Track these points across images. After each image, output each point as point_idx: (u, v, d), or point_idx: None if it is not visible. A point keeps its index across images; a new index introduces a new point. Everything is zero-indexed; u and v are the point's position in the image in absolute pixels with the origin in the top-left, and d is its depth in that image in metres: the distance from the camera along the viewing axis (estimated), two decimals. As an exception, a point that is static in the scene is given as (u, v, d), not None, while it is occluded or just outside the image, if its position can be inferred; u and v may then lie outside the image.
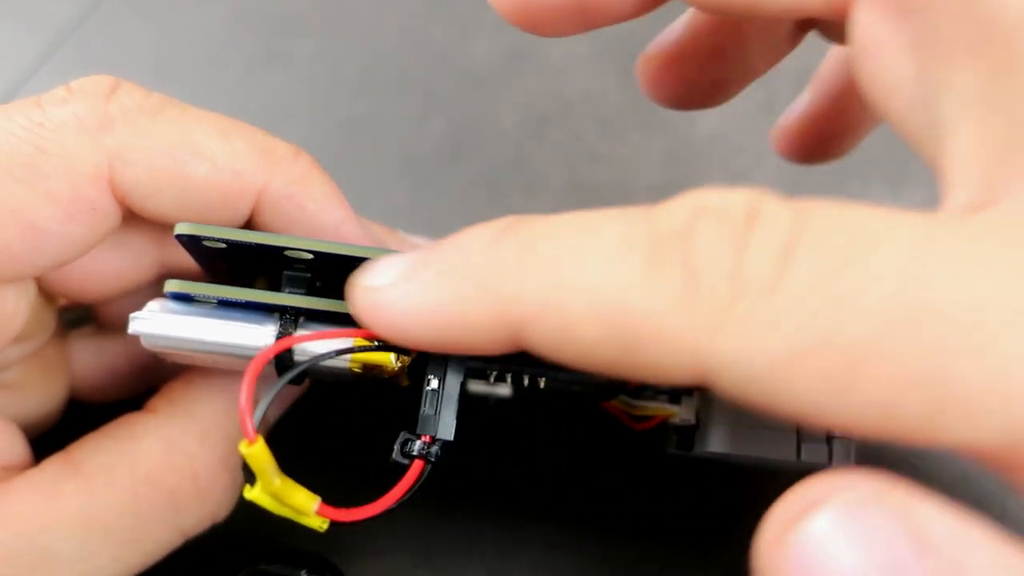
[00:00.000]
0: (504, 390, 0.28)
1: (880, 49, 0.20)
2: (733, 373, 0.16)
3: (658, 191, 0.35)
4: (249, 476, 0.20)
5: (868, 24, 0.20)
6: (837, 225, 0.16)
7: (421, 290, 0.19)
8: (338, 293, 0.22)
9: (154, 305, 0.22)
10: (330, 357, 0.21)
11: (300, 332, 0.22)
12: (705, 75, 0.27)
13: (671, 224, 0.17)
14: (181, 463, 0.24)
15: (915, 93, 0.19)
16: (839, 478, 0.15)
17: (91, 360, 0.29)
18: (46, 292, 0.26)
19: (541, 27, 0.24)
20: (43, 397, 0.28)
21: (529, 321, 0.18)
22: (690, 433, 0.25)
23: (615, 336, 0.17)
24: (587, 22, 0.24)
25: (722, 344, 0.16)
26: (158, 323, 0.22)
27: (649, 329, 0.16)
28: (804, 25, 0.25)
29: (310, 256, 0.22)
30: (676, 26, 0.27)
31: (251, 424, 0.19)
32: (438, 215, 0.36)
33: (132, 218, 0.24)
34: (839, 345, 0.15)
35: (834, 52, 0.29)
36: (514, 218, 0.19)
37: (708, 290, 0.16)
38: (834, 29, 0.24)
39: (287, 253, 0.22)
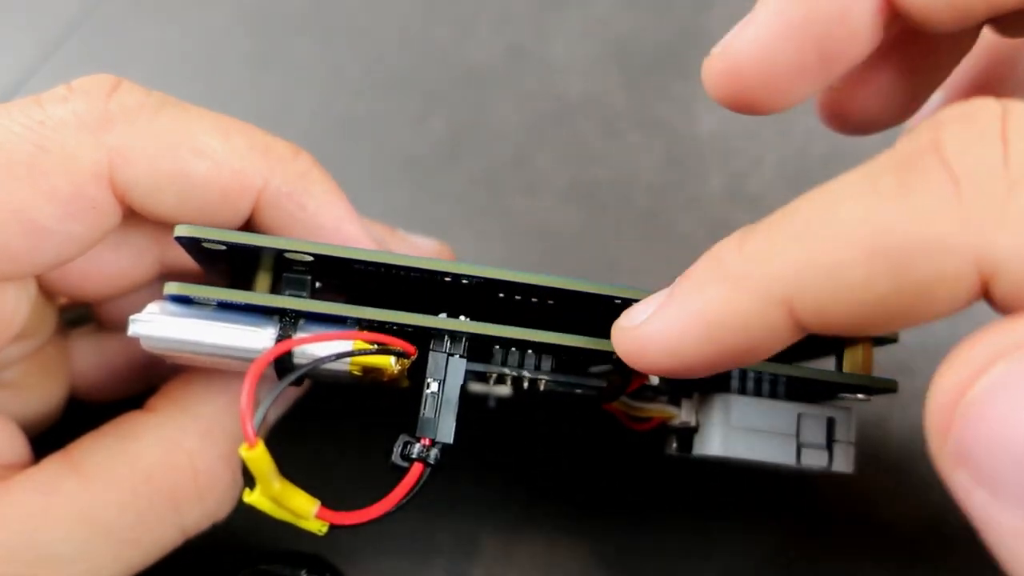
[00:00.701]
0: (504, 390, 0.28)
1: None
2: (1019, 267, 0.15)
3: (658, 191, 0.36)
4: (249, 480, 0.20)
5: None
6: None
7: (684, 308, 0.19)
8: (338, 293, 0.22)
9: (153, 307, 0.22)
10: (330, 360, 0.21)
11: (300, 335, 0.22)
12: (898, 90, 0.25)
13: (914, 145, 0.17)
14: (181, 462, 0.24)
15: None
16: (1011, 328, 0.15)
17: (91, 359, 0.29)
18: (46, 291, 0.26)
19: (773, 101, 0.23)
20: (43, 396, 0.28)
21: (798, 290, 0.17)
22: (689, 435, 0.25)
23: (888, 266, 0.16)
24: (826, 77, 0.22)
25: (1005, 240, 0.15)
26: (157, 325, 0.22)
27: (922, 243, 0.16)
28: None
29: (310, 258, 0.22)
30: None
31: (252, 428, 0.19)
32: (438, 215, 0.36)
33: (133, 217, 0.24)
34: None
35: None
36: (751, 224, 0.19)
37: (977, 188, 0.16)
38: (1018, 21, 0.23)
39: (287, 255, 0.22)
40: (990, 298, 0.16)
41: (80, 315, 0.30)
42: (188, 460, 0.24)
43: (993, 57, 0.28)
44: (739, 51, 0.22)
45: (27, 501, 0.23)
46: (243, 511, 0.25)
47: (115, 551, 0.23)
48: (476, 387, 0.28)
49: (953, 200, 0.16)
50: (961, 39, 0.24)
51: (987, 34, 0.26)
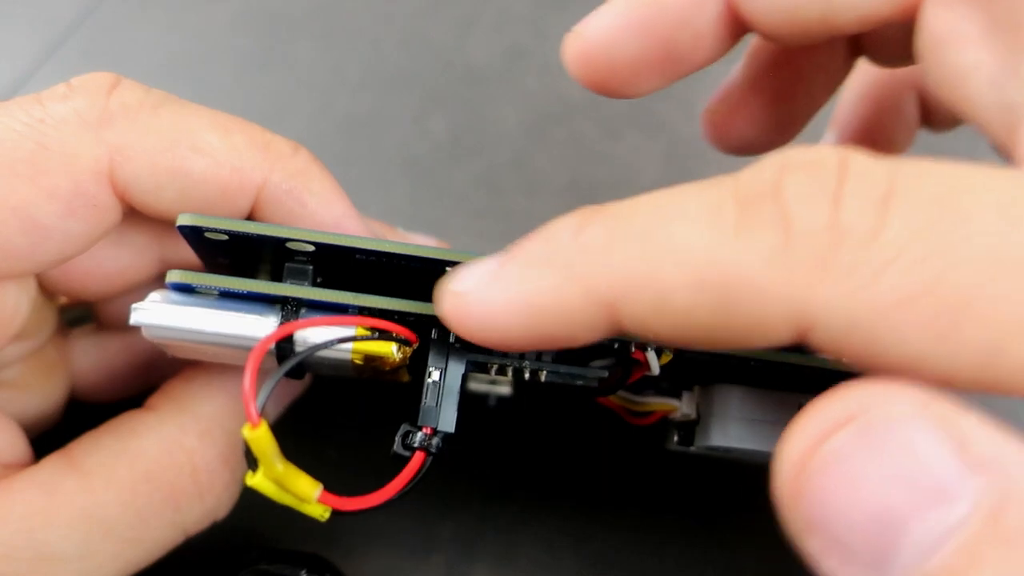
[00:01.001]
0: (504, 388, 0.28)
1: (953, 38, 0.20)
2: (834, 324, 0.16)
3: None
4: (251, 462, 0.20)
5: (940, 16, 0.20)
6: (930, 175, 0.16)
7: (511, 286, 0.19)
8: (339, 285, 0.22)
9: (155, 296, 0.22)
10: (332, 345, 0.21)
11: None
12: (772, 116, 0.27)
13: (758, 183, 0.17)
14: (181, 460, 0.24)
15: (988, 79, 0.19)
16: (872, 389, 0.15)
17: (91, 359, 0.29)
18: (47, 290, 0.26)
19: (620, 88, 0.24)
20: (44, 396, 0.28)
21: (622, 297, 0.17)
22: (691, 428, 0.25)
23: (711, 299, 0.17)
24: (671, 74, 0.23)
25: (824, 294, 0.16)
26: (159, 313, 0.22)
27: (746, 286, 0.16)
28: (857, 48, 0.26)
29: (311, 248, 0.22)
30: (734, 75, 0.27)
31: (254, 408, 0.19)
32: (438, 215, 0.36)
33: (133, 215, 0.24)
34: (945, 290, 0.15)
35: (850, 89, 0.29)
36: (594, 207, 0.19)
37: (805, 241, 0.16)
38: (884, 47, 0.25)
39: (288, 245, 0.22)
40: (809, 343, 0.17)
41: (80, 315, 0.30)
42: (188, 459, 0.24)
43: (877, 94, 0.29)
44: (589, 36, 0.23)
45: (27, 500, 0.23)
46: (243, 512, 0.25)
47: (115, 550, 0.23)
48: (476, 386, 0.28)
49: (782, 250, 0.16)
50: (830, 68, 0.26)
51: (868, 69, 0.28)
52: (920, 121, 0.29)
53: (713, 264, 0.17)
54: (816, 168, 0.17)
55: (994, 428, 0.14)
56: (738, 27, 0.23)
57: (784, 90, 0.26)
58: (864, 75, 0.29)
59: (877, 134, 0.28)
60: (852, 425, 0.15)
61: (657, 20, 0.22)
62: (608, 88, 0.24)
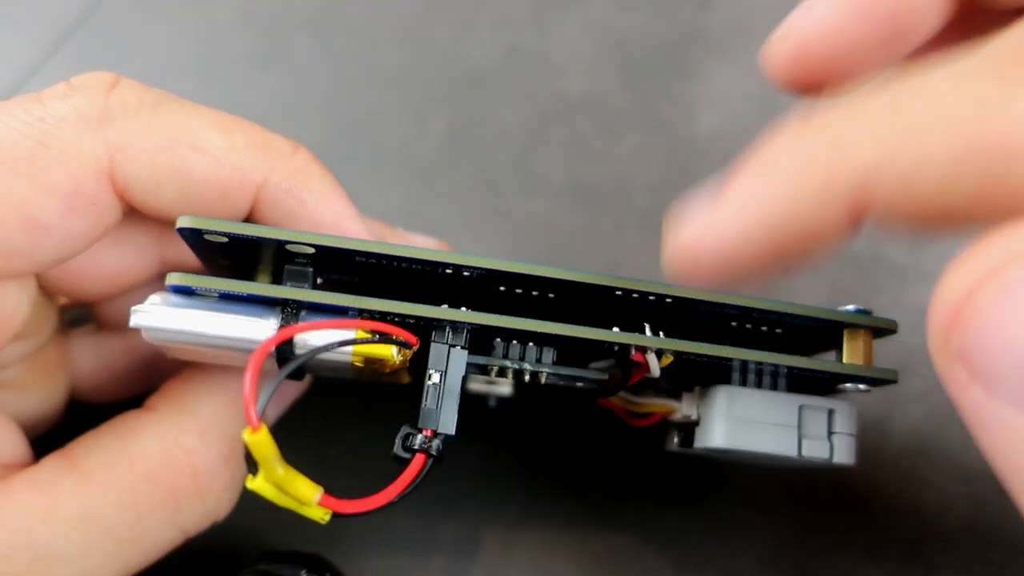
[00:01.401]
0: (504, 388, 0.28)
1: None
2: None
3: (658, 191, 0.36)
4: (252, 465, 0.20)
5: None
6: None
7: (739, 200, 0.18)
8: (339, 287, 0.22)
9: (156, 298, 0.22)
10: (332, 348, 0.21)
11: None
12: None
13: (1011, 44, 0.16)
14: (180, 461, 0.24)
15: None
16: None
17: (91, 360, 0.29)
18: (47, 290, 0.26)
19: (843, 78, 0.22)
20: (44, 396, 0.28)
21: (873, 173, 0.17)
22: (691, 429, 0.25)
23: (981, 161, 0.16)
24: (895, 53, 0.22)
25: None
26: (159, 316, 0.22)
27: (1016, 143, 0.15)
28: None
29: (312, 250, 0.22)
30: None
31: (255, 412, 0.19)
32: (438, 215, 0.36)
33: (133, 215, 0.24)
34: None
35: None
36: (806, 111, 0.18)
37: None
38: None
39: (288, 247, 0.22)
40: None
41: (80, 315, 0.30)
42: (188, 459, 0.24)
43: None
44: (807, 31, 0.22)
45: (27, 500, 0.23)
46: (243, 512, 0.25)
47: (114, 550, 0.23)
48: (476, 387, 0.28)
49: None
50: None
51: None
52: None
53: (983, 124, 0.16)
54: None
55: None
56: None
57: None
58: None
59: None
60: (1009, 271, 0.15)
61: None
62: (822, 85, 0.22)
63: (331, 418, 0.31)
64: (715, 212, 0.18)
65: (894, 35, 0.21)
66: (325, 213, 0.24)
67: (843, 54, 0.22)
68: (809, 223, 0.17)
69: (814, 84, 0.22)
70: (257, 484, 0.20)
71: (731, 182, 0.18)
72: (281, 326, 0.22)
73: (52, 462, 0.24)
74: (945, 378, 0.16)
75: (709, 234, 0.18)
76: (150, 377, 0.29)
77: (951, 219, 0.17)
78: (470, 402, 0.23)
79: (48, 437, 0.27)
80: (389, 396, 0.28)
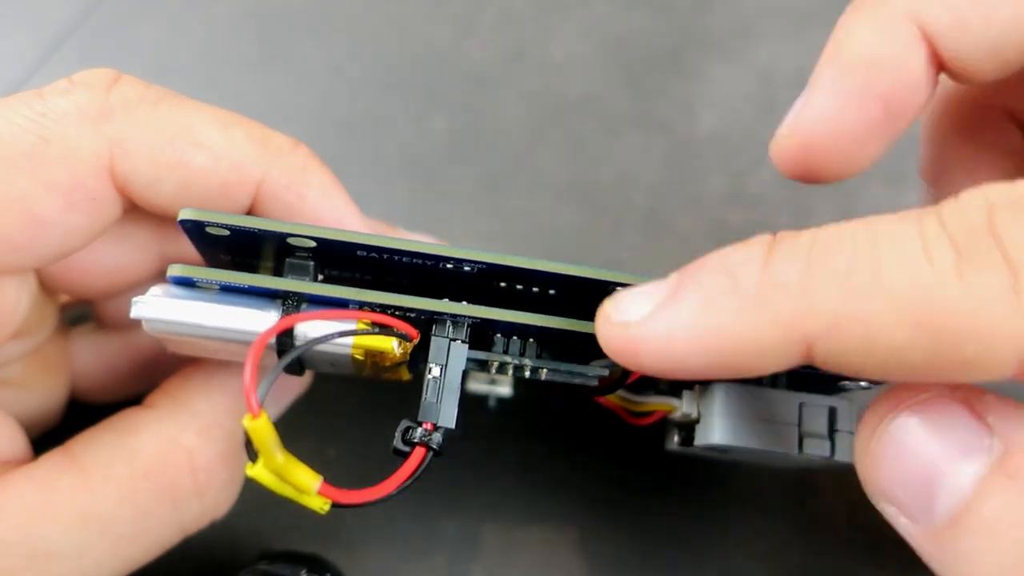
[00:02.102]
0: (504, 389, 0.28)
1: None
2: None
3: (658, 191, 0.36)
4: (251, 453, 0.20)
5: None
6: None
7: (690, 318, 0.18)
8: (340, 281, 0.22)
9: (157, 290, 0.22)
10: (332, 338, 0.21)
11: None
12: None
13: (967, 221, 0.17)
14: (179, 458, 0.24)
15: None
16: (898, 393, 0.19)
17: (91, 359, 0.29)
18: (47, 287, 0.26)
19: (845, 167, 0.23)
20: (44, 394, 0.28)
21: (824, 335, 0.17)
22: (691, 427, 0.25)
23: (927, 339, 0.17)
24: (892, 133, 0.23)
25: None
26: (160, 307, 0.22)
27: (970, 327, 0.16)
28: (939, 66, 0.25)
29: (313, 244, 0.22)
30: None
31: (255, 398, 0.19)
32: (438, 215, 0.36)
33: (133, 211, 0.24)
34: None
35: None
36: (771, 236, 0.19)
37: None
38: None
39: (290, 240, 0.22)
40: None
41: (80, 314, 0.30)
42: (187, 457, 0.24)
43: (970, 118, 0.28)
44: (809, 124, 0.22)
45: (26, 496, 0.23)
46: (243, 512, 0.25)
47: (113, 547, 0.23)
48: (477, 387, 0.28)
49: (1010, 290, 0.16)
50: (925, 90, 0.24)
51: (953, 90, 0.27)
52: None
53: (932, 305, 0.17)
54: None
55: (1005, 403, 0.18)
56: (938, 69, 0.22)
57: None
58: (947, 101, 0.28)
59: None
60: (908, 407, 0.19)
61: (873, 82, 0.22)
62: (831, 174, 0.23)
63: (331, 418, 0.31)
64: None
65: (890, 117, 0.22)
66: (325, 209, 0.24)
67: (845, 143, 0.22)
68: (751, 358, 0.18)
69: (822, 173, 0.23)
70: (257, 472, 0.20)
71: (684, 286, 0.19)
72: (282, 317, 0.22)
73: (51, 459, 0.24)
74: (883, 514, 0.20)
75: (653, 329, 0.19)
76: (150, 376, 0.29)
77: (902, 378, 0.18)
78: (470, 402, 0.23)
79: (48, 436, 0.27)
80: (389, 396, 0.28)
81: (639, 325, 0.19)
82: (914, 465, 0.18)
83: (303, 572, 0.26)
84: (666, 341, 0.19)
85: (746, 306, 0.18)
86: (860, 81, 0.22)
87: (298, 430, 0.26)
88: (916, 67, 0.22)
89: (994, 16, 0.21)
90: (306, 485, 0.20)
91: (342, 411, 0.31)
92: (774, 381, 0.24)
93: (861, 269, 0.17)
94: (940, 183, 0.27)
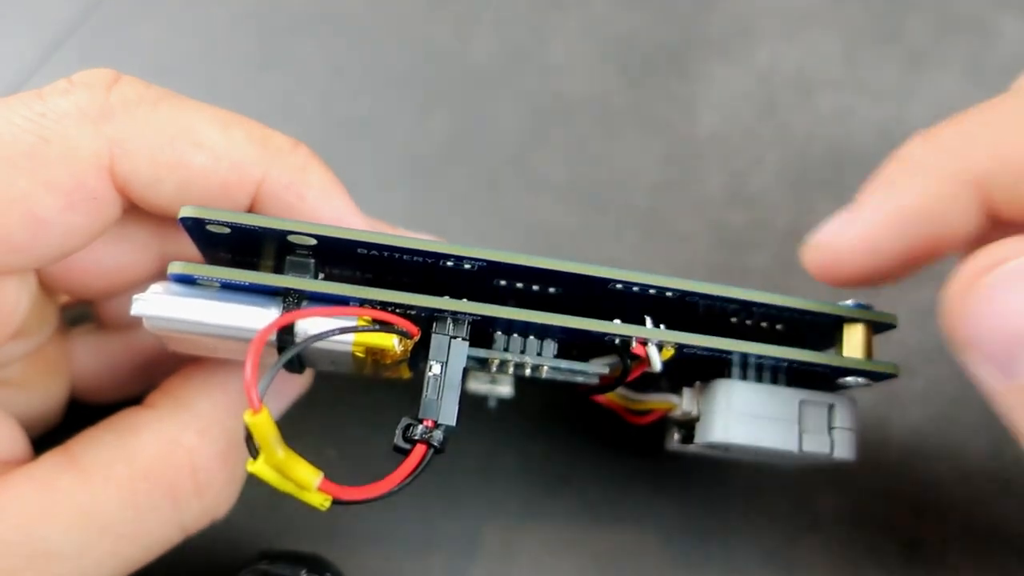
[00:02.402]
0: (505, 389, 0.28)
1: None
2: None
3: (658, 191, 0.36)
4: (252, 449, 0.20)
5: None
6: None
7: (880, 207, 0.20)
8: (341, 279, 0.22)
9: (157, 287, 0.22)
10: (332, 335, 0.21)
11: None
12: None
13: None
14: (180, 458, 0.24)
15: None
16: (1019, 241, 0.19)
17: (92, 359, 0.29)
18: (47, 287, 0.26)
19: (879, 281, 0.23)
20: (44, 394, 0.28)
21: (993, 173, 0.19)
22: (691, 425, 0.25)
23: None
24: (932, 259, 0.23)
25: None
26: (161, 304, 0.22)
27: None
28: None
29: (314, 241, 0.22)
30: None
31: (256, 393, 0.19)
32: (438, 215, 0.36)
33: (133, 211, 0.24)
34: None
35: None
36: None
37: None
38: None
39: (291, 238, 0.22)
40: None
41: (81, 314, 0.30)
42: (187, 457, 0.24)
43: None
44: (843, 246, 0.22)
45: (26, 496, 0.23)
46: (243, 512, 0.25)
47: (113, 547, 0.23)
48: (477, 387, 0.28)
49: None
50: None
51: None
52: None
53: None
54: None
55: None
56: (992, 212, 0.22)
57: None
58: None
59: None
60: (1005, 265, 0.18)
61: (919, 218, 0.22)
62: (860, 285, 0.23)
63: (331, 418, 0.31)
64: (855, 211, 0.20)
65: (928, 253, 0.22)
66: (326, 209, 0.24)
67: (880, 265, 0.22)
68: (936, 219, 0.19)
69: (850, 284, 0.23)
70: (257, 467, 0.20)
71: (866, 191, 0.20)
72: (282, 314, 0.22)
73: (51, 459, 0.24)
74: (961, 360, 0.19)
75: (849, 231, 0.20)
76: (150, 376, 0.29)
77: None
78: (470, 403, 0.23)
79: (48, 436, 0.27)
80: (389, 397, 0.28)
81: (837, 234, 0.21)
82: (1013, 316, 0.18)
83: (303, 572, 0.26)
84: (864, 237, 0.20)
85: (919, 175, 0.20)
86: (906, 218, 0.22)
87: (298, 429, 0.26)
88: (960, 212, 0.22)
89: None
90: (307, 481, 0.20)
91: (342, 410, 0.31)
92: (774, 377, 0.24)
93: (1009, 110, 0.19)
94: None
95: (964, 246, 0.22)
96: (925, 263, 0.23)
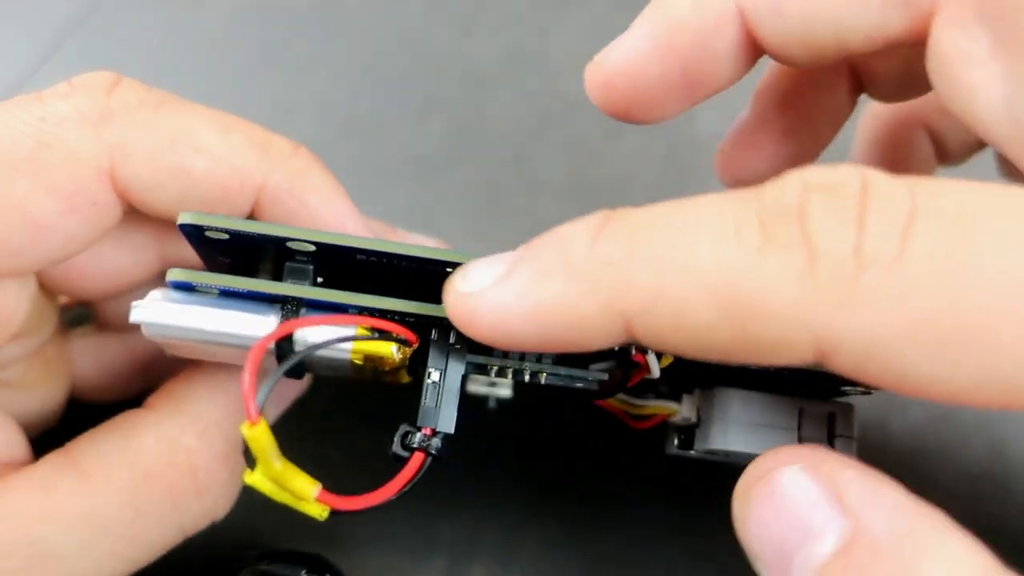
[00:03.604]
0: (504, 391, 0.28)
1: (963, 57, 0.20)
2: (854, 348, 0.16)
3: (658, 191, 0.36)
4: (250, 460, 0.20)
5: (950, 35, 0.20)
6: (948, 194, 0.17)
7: (522, 291, 0.19)
8: (340, 285, 0.22)
9: (156, 294, 0.22)
10: (331, 344, 0.21)
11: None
12: (781, 153, 0.27)
13: (780, 202, 0.17)
14: (180, 460, 0.24)
15: (1000, 96, 0.20)
16: (791, 451, 0.19)
17: (91, 359, 0.29)
18: (47, 289, 0.26)
19: (643, 113, 0.24)
20: (44, 395, 0.28)
21: (640, 311, 0.18)
22: (691, 431, 0.25)
23: (731, 318, 0.17)
24: (690, 98, 0.24)
25: (846, 319, 0.16)
26: (159, 312, 0.22)
27: (768, 307, 0.17)
28: (859, 84, 0.26)
29: (312, 248, 0.22)
30: (743, 115, 0.28)
31: (254, 405, 0.19)
32: (438, 215, 0.36)
33: (134, 214, 0.24)
34: (963, 313, 0.16)
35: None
36: (609, 212, 0.19)
37: (830, 266, 0.16)
38: (885, 80, 0.26)
39: (289, 244, 0.22)
40: (828, 366, 0.17)
41: (80, 315, 0.30)
42: (187, 458, 0.24)
43: (888, 133, 0.29)
44: (611, 64, 0.24)
45: (26, 498, 0.23)
46: (243, 512, 0.25)
47: (113, 548, 0.23)
48: (476, 388, 0.28)
49: (806, 276, 0.16)
50: (834, 104, 0.27)
51: (876, 110, 0.29)
52: (935, 157, 0.30)
53: (735, 285, 0.17)
54: (838, 190, 0.17)
55: (864, 480, 0.18)
56: (754, 50, 0.23)
57: (792, 127, 0.27)
58: (873, 116, 0.30)
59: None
60: (762, 482, 0.18)
61: (677, 44, 0.23)
62: (630, 115, 0.24)
63: (331, 418, 0.31)
64: (503, 287, 0.19)
65: (689, 83, 0.23)
66: (326, 213, 0.24)
67: (642, 91, 0.24)
68: (575, 332, 0.19)
69: (623, 113, 0.24)
70: (254, 479, 0.20)
71: (522, 260, 0.19)
72: (281, 323, 0.22)
73: (52, 461, 0.24)
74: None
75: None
76: (150, 377, 0.29)
77: (717, 359, 0.18)
78: (470, 403, 0.23)
79: (48, 437, 0.27)
80: (389, 397, 0.28)
81: (478, 296, 0.19)
82: (773, 536, 0.18)
83: (303, 572, 0.26)
84: (500, 313, 0.19)
85: (569, 281, 0.18)
86: (665, 38, 0.23)
87: (298, 431, 0.26)
88: (721, 42, 0.23)
89: (812, 10, 0.22)
90: (304, 492, 0.20)
91: (342, 412, 0.31)
92: (774, 385, 0.24)
93: (678, 248, 0.18)
94: None
95: (727, 80, 0.24)
96: (697, 93, 0.24)
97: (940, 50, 0.21)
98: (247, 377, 0.19)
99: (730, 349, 0.17)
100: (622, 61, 0.23)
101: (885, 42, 0.21)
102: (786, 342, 0.17)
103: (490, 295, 0.19)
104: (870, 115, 0.30)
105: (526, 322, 0.19)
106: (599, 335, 0.18)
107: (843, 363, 0.17)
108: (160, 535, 0.24)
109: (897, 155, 0.29)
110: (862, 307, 0.16)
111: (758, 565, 0.18)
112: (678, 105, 0.24)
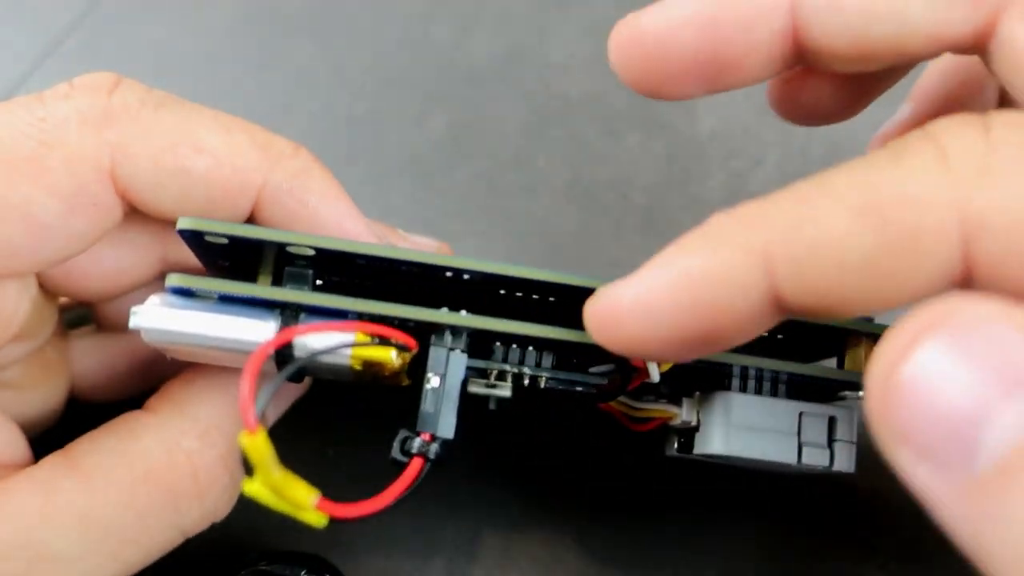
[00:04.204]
0: (504, 391, 0.28)
1: None
2: (1001, 223, 0.16)
3: (658, 191, 0.36)
4: (248, 469, 0.20)
5: (1019, 38, 0.20)
6: None
7: (664, 267, 0.19)
8: (340, 289, 0.22)
9: (155, 299, 0.22)
10: (331, 351, 0.21)
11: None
12: (842, 92, 0.26)
13: (907, 137, 0.18)
14: (180, 462, 0.24)
15: None
16: (955, 299, 0.15)
17: (91, 360, 0.29)
18: (47, 289, 0.26)
19: (659, 84, 0.23)
20: (43, 396, 0.28)
21: (781, 242, 0.18)
22: (690, 434, 0.25)
23: (873, 220, 0.17)
24: (714, 83, 0.23)
25: (990, 192, 0.17)
26: (159, 317, 0.22)
27: (907, 197, 0.17)
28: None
29: (312, 252, 0.22)
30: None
31: (253, 414, 0.19)
32: (438, 215, 0.36)
33: (134, 215, 0.24)
34: None
35: (935, 66, 0.28)
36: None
37: (961, 155, 0.17)
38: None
39: (289, 249, 0.22)
40: (973, 264, 0.17)
41: (80, 315, 0.30)
42: (187, 460, 0.24)
43: (961, 73, 0.28)
44: (647, 22, 0.23)
45: (26, 500, 0.23)
46: (243, 512, 0.25)
47: (114, 550, 0.23)
48: (476, 388, 0.28)
49: (940, 164, 0.17)
50: None
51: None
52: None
53: (872, 188, 0.17)
54: (962, 119, 0.18)
55: None
56: (792, 50, 0.23)
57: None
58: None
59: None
60: (939, 330, 0.15)
61: (721, 17, 0.22)
62: (646, 82, 0.24)
63: (331, 418, 0.31)
64: (639, 271, 0.19)
65: (718, 65, 0.23)
66: (327, 214, 0.24)
67: (670, 61, 0.23)
68: (724, 295, 0.18)
69: (640, 79, 0.24)
70: (253, 488, 0.20)
71: (658, 255, 0.19)
72: (280, 328, 0.22)
73: (52, 462, 0.24)
74: (894, 463, 0.16)
75: (629, 288, 0.19)
76: (150, 378, 0.29)
77: (864, 291, 0.18)
78: (470, 404, 0.23)
79: (48, 437, 0.27)
80: (389, 397, 0.28)
81: (613, 293, 0.19)
82: (951, 401, 0.14)
83: (303, 572, 0.26)
84: (643, 298, 0.19)
85: (710, 242, 0.19)
86: (711, 8, 0.22)
87: (298, 431, 0.26)
88: (764, 28, 0.22)
89: (873, 5, 0.21)
90: (303, 501, 0.20)
91: (342, 412, 0.31)
92: (774, 389, 0.24)
93: (808, 187, 0.18)
94: None
95: (757, 69, 0.23)
96: (720, 78, 0.23)
97: (1015, 46, 0.20)
98: (245, 386, 0.19)
99: (874, 261, 0.17)
100: (660, 21, 0.23)
101: (942, 44, 0.21)
102: (931, 226, 0.17)
103: (632, 285, 0.19)
104: (939, 70, 0.28)
105: (670, 299, 0.18)
106: (744, 294, 0.18)
107: (992, 245, 0.17)
108: (160, 537, 0.24)
109: (962, 94, 0.28)
110: (1002, 182, 0.16)
111: (913, 455, 0.15)
112: (697, 86, 0.23)
